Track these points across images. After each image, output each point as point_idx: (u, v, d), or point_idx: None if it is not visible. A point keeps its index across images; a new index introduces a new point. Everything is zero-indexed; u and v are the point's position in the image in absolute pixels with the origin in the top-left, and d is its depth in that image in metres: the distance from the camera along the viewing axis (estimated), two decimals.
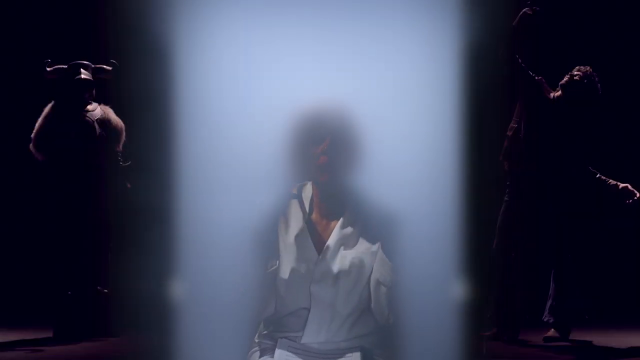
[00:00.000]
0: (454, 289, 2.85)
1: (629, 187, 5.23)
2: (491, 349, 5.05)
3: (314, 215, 2.58)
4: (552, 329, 5.31)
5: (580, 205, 5.38)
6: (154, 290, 4.25)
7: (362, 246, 2.53)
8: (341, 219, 2.55)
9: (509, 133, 5.30)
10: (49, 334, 5.45)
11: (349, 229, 2.55)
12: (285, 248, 2.53)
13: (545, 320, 5.30)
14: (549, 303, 5.31)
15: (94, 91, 5.66)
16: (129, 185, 5.53)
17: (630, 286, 7.17)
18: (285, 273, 2.52)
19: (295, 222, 2.56)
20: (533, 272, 5.39)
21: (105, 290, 5.51)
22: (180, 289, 2.85)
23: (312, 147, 2.54)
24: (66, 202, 5.46)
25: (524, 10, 5.13)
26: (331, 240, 2.54)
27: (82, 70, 5.57)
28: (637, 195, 5.19)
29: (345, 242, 2.54)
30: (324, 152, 2.52)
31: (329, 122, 2.54)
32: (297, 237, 2.54)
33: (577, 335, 5.37)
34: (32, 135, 5.51)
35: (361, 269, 2.50)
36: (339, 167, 2.54)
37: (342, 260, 2.52)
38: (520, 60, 5.17)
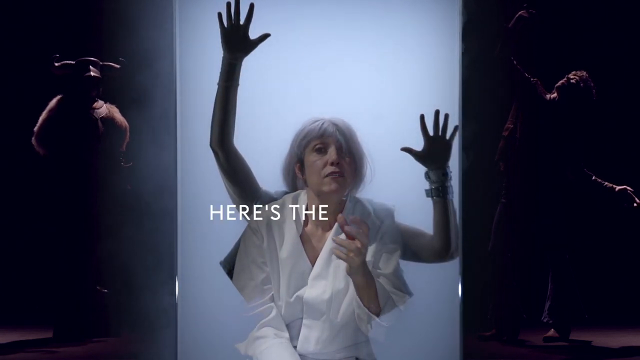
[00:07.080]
0: (454, 289, 2.86)
1: (628, 189, 5.23)
2: (491, 349, 5.06)
3: (308, 226, 2.56)
4: (552, 329, 5.32)
5: (576, 206, 5.39)
6: (153, 289, 4.27)
7: None
8: (334, 228, 2.52)
9: (505, 134, 5.32)
10: (49, 334, 5.46)
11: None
12: (280, 260, 2.51)
13: (544, 320, 5.31)
14: (547, 304, 5.32)
15: (100, 89, 5.66)
16: (129, 187, 5.52)
17: (630, 286, 7.17)
18: (279, 284, 2.51)
19: (289, 233, 2.53)
20: (530, 272, 5.40)
21: (105, 290, 5.51)
22: (179, 289, 2.85)
23: (312, 152, 2.52)
24: (66, 199, 5.46)
25: (520, 12, 5.18)
26: (324, 251, 2.52)
27: (90, 67, 5.57)
28: (638, 201, 5.20)
29: None
30: (332, 163, 2.49)
31: (327, 128, 2.52)
32: (291, 248, 2.51)
33: (577, 335, 5.38)
34: (35, 128, 5.48)
35: None
36: (349, 179, 2.52)
37: (335, 270, 2.50)
38: (516, 62, 5.20)
